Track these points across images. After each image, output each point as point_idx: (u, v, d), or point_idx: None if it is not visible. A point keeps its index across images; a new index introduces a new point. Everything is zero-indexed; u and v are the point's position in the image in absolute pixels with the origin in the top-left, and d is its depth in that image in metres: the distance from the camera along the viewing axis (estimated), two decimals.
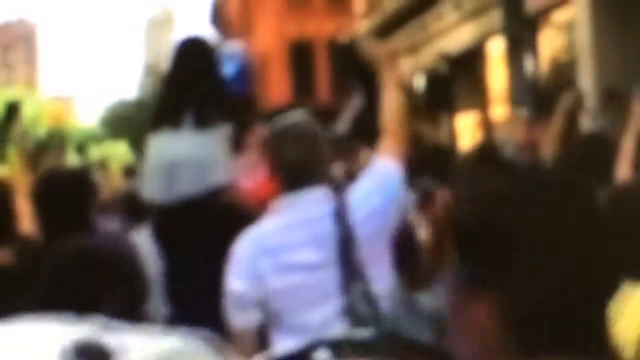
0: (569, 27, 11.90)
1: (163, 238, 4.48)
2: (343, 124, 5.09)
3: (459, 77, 16.21)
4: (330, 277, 2.91)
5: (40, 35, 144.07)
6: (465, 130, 16.17)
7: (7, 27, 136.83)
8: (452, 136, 16.13)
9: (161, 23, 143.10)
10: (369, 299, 2.90)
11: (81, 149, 60.46)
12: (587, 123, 8.19)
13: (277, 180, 3.16)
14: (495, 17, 12.23)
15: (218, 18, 52.03)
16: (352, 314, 2.90)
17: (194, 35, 5.05)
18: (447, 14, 16.05)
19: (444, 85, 16.31)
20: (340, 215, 2.96)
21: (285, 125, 3.16)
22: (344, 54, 3.78)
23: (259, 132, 5.03)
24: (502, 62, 11.94)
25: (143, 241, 4.87)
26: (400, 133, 3.18)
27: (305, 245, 2.96)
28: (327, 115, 5.02)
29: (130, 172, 10.89)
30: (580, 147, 5.10)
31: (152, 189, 4.50)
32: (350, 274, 2.91)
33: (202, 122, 4.47)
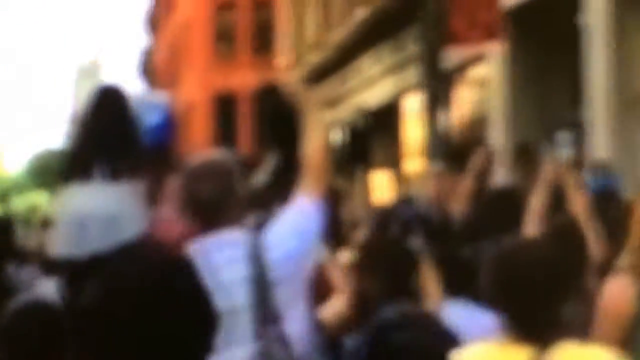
0: (483, 84, 12.09)
1: (70, 295, 4.27)
2: (262, 176, 5.06)
3: (376, 131, 16.34)
4: (246, 320, 2.83)
5: None
6: (381, 184, 16.27)
7: None
8: (367, 189, 16.24)
9: (90, 72, 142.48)
10: (284, 342, 2.84)
11: (4, 198, 59.32)
12: (499, 178, 8.27)
13: (190, 220, 3.06)
14: (413, 72, 12.39)
15: (146, 69, 52.06)
16: (267, 358, 2.84)
17: (109, 84, 4.95)
18: (367, 69, 16.29)
19: (362, 139, 16.45)
20: (255, 258, 2.87)
21: (199, 162, 3.08)
22: (269, 100, 3.74)
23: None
24: (418, 117, 12.07)
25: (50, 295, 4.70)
26: (320, 174, 3.10)
27: (219, 290, 2.78)
28: (248, 166, 4.95)
29: (47, 223, 10.74)
30: (490, 201, 5.21)
31: (60, 244, 4.26)
32: (265, 318, 2.84)
33: (114, 174, 4.24)
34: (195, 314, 1.89)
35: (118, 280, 1.79)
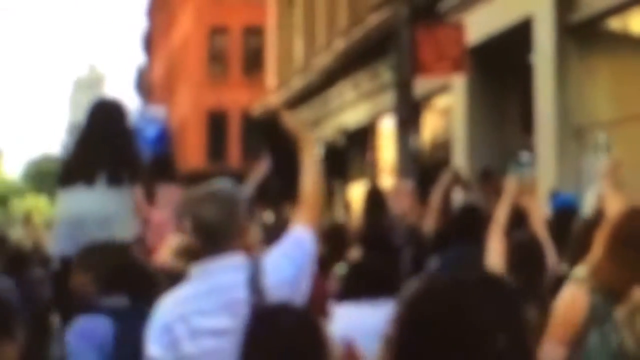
0: (447, 112, 12.50)
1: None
2: (249, 188, 5.20)
3: (354, 150, 16.64)
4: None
5: None
6: (358, 199, 16.59)
7: None
8: (346, 203, 16.56)
9: (87, 84, 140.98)
10: None
11: (4, 201, 58.74)
12: (459, 197, 8.68)
13: (196, 244, 3.07)
14: (387, 98, 12.78)
15: (142, 84, 52.03)
16: None
17: (108, 98, 5.10)
18: (346, 93, 16.56)
19: (341, 157, 16.76)
20: (254, 283, 2.91)
21: (204, 189, 3.10)
22: (257, 123, 3.78)
23: (173, 192, 5.18)
24: (391, 138, 12.40)
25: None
26: (315, 204, 3.17)
27: (218, 312, 2.89)
28: (236, 178, 5.27)
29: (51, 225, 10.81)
30: (456, 216, 5.37)
31: (61, 243, 4.42)
32: None
33: (115, 180, 4.45)
34: None
35: None
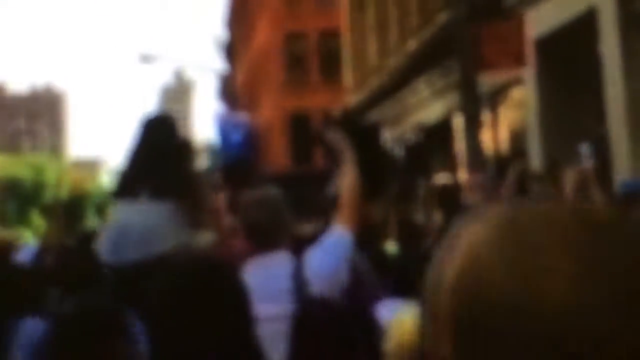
0: (522, 105, 12.47)
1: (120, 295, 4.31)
2: (333, 188, 5.53)
3: (432, 145, 16.74)
4: (286, 327, 3.09)
5: (68, 101, 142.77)
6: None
7: (34, 96, 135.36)
8: (426, 199, 16.59)
9: (174, 93, 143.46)
10: None
11: (101, 210, 60.05)
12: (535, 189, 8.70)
13: (247, 242, 3.39)
14: (459, 94, 12.85)
15: (226, 91, 52.87)
16: None
17: (159, 113, 5.24)
18: (421, 91, 16.65)
19: (420, 153, 16.81)
20: (297, 275, 3.20)
21: (253, 195, 3.45)
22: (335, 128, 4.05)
23: None
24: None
25: None
26: (352, 207, 3.44)
27: (267, 300, 3.07)
28: (322, 178, 5.41)
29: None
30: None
31: (105, 251, 4.50)
32: None
33: (158, 194, 4.51)
34: (232, 310, 2.21)
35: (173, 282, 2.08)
